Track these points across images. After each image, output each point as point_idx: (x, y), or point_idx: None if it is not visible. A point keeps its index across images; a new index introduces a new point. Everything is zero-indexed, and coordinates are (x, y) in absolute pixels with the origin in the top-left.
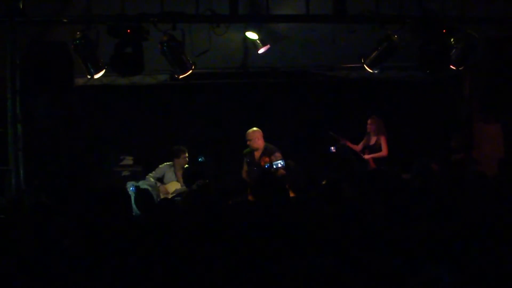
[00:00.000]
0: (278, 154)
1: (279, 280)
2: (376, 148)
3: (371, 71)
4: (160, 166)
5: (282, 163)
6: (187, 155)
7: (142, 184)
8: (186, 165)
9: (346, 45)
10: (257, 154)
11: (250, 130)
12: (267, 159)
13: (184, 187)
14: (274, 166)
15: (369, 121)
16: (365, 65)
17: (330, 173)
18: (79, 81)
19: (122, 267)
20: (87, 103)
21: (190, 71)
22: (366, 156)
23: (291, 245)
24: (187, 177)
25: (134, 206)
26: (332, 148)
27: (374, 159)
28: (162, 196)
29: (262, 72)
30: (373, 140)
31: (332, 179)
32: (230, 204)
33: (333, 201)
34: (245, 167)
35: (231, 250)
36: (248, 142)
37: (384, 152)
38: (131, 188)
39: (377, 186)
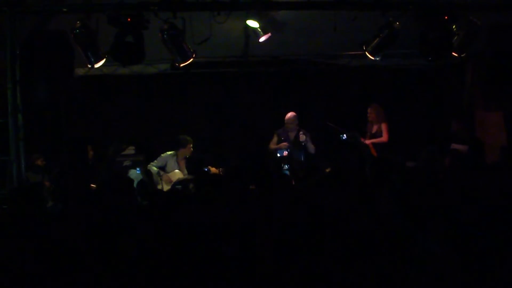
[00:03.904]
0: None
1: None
2: (378, 135)
3: (372, 58)
4: (162, 155)
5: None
6: (191, 145)
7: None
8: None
9: (347, 32)
10: (291, 134)
11: (292, 116)
12: (304, 136)
13: (187, 176)
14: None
15: (369, 110)
16: (366, 53)
17: (335, 160)
18: (80, 71)
19: (127, 257)
20: (88, 92)
21: (191, 60)
22: (367, 141)
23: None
24: (191, 166)
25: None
26: (344, 135)
27: (375, 145)
28: (165, 185)
29: (263, 60)
30: (375, 128)
31: (336, 167)
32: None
33: (337, 188)
34: (274, 142)
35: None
36: (290, 125)
37: (384, 138)
38: (137, 171)
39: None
